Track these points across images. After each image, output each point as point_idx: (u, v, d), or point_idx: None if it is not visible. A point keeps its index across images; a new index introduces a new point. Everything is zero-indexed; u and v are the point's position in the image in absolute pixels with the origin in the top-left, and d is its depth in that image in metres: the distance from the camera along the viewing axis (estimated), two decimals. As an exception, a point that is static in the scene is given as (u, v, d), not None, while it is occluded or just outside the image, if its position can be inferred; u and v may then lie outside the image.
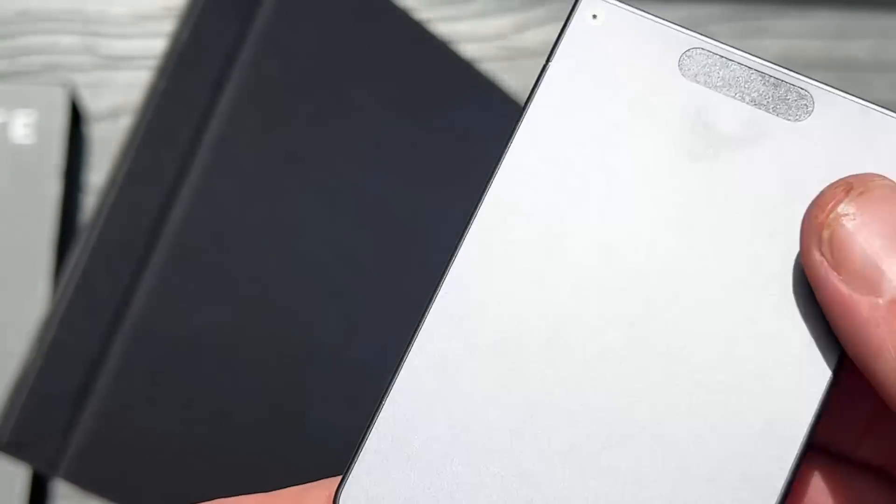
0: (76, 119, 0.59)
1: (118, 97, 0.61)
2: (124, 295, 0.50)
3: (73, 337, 0.50)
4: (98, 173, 0.61)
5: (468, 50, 0.62)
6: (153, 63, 0.62)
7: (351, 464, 0.27)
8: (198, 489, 0.51)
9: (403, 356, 0.27)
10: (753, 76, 0.29)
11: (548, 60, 0.30)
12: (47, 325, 0.50)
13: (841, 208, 0.27)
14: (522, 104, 0.30)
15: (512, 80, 0.61)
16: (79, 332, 0.50)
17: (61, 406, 0.49)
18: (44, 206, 0.57)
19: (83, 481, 0.50)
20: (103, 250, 0.50)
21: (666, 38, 0.29)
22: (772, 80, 0.29)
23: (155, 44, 0.62)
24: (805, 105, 0.29)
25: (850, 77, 0.62)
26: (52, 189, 0.57)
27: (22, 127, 0.58)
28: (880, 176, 0.27)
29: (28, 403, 0.49)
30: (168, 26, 0.62)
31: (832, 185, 0.28)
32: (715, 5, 0.62)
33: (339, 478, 0.28)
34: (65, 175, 0.58)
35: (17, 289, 0.56)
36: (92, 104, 0.61)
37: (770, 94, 0.29)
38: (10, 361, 0.56)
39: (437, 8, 0.62)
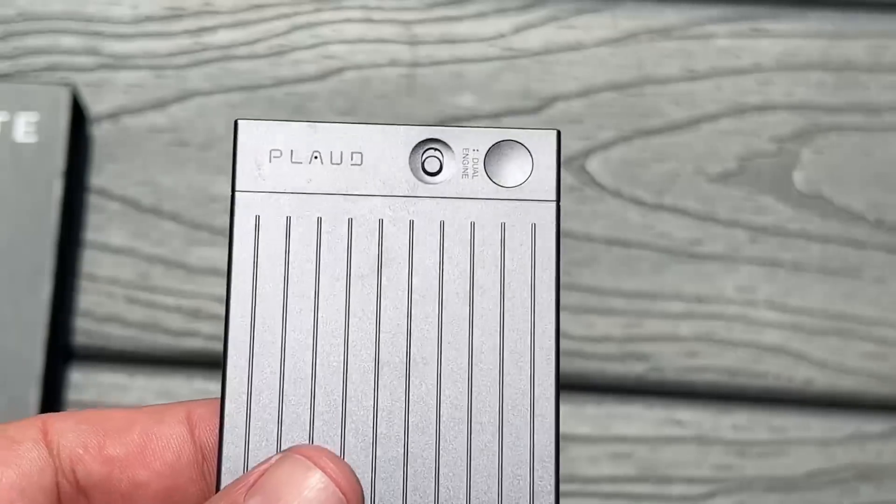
0: (78, 119, 0.60)
1: (120, 97, 0.62)
2: None
3: None
4: (99, 173, 0.61)
5: (467, 50, 0.62)
6: (155, 63, 0.62)
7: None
8: None
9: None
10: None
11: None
12: None
13: None
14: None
15: (511, 81, 0.62)
16: None
17: None
18: (46, 205, 0.58)
19: None
20: None
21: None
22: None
23: (157, 44, 0.62)
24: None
25: (847, 78, 0.62)
26: (55, 189, 0.58)
27: (24, 126, 0.58)
28: None
29: None
30: (170, 27, 0.63)
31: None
32: (713, 6, 0.63)
33: (203, 400, 0.33)
34: (67, 175, 0.58)
35: (19, 288, 0.57)
36: (94, 104, 0.62)
37: None
38: (12, 361, 0.56)
39: (436, 8, 0.63)
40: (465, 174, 0.32)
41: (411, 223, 0.31)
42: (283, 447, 0.31)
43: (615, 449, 0.58)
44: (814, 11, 0.63)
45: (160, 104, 0.62)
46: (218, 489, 0.31)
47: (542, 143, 0.32)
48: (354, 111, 0.62)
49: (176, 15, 0.63)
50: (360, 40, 0.63)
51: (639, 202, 0.61)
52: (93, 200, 0.61)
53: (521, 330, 0.31)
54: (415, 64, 0.62)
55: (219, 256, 0.60)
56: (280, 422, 0.31)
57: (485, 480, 0.30)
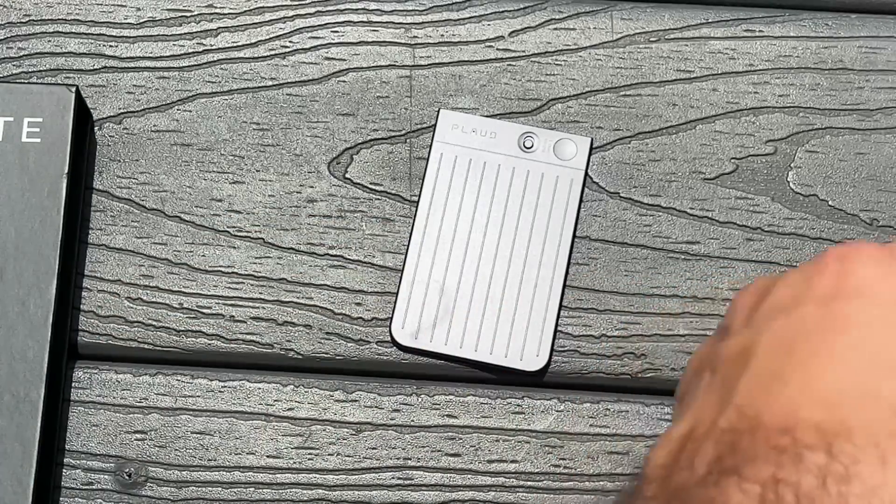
0: (82, 121, 0.60)
1: (124, 99, 0.62)
2: None
3: None
4: (103, 174, 0.62)
5: (466, 52, 0.63)
6: (158, 66, 0.63)
7: None
8: None
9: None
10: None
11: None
12: None
13: None
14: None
15: (510, 82, 0.62)
16: None
17: None
18: (51, 206, 0.58)
19: None
20: None
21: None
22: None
23: (160, 46, 0.63)
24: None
25: (841, 80, 0.63)
26: (59, 190, 0.58)
27: (29, 128, 0.59)
28: None
29: None
30: (173, 29, 0.63)
31: None
32: (707, 9, 0.63)
33: None
34: (71, 176, 0.59)
35: (25, 288, 0.57)
36: (98, 106, 0.62)
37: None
38: (17, 359, 0.56)
39: (435, 12, 0.63)
40: (543, 151, 0.61)
41: (513, 169, 0.60)
42: None
43: (612, 446, 0.58)
44: (808, 14, 0.63)
45: (163, 106, 0.62)
46: None
47: (582, 141, 0.61)
48: (355, 112, 0.62)
49: (178, 18, 0.63)
50: (361, 42, 0.63)
51: (635, 202, 0.61)
52: (97, 201, 0.61)
53: (555, 225, 0.60)
54: (414, 66, 0.63)
55: (221, 256, 0.61)
56: None
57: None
